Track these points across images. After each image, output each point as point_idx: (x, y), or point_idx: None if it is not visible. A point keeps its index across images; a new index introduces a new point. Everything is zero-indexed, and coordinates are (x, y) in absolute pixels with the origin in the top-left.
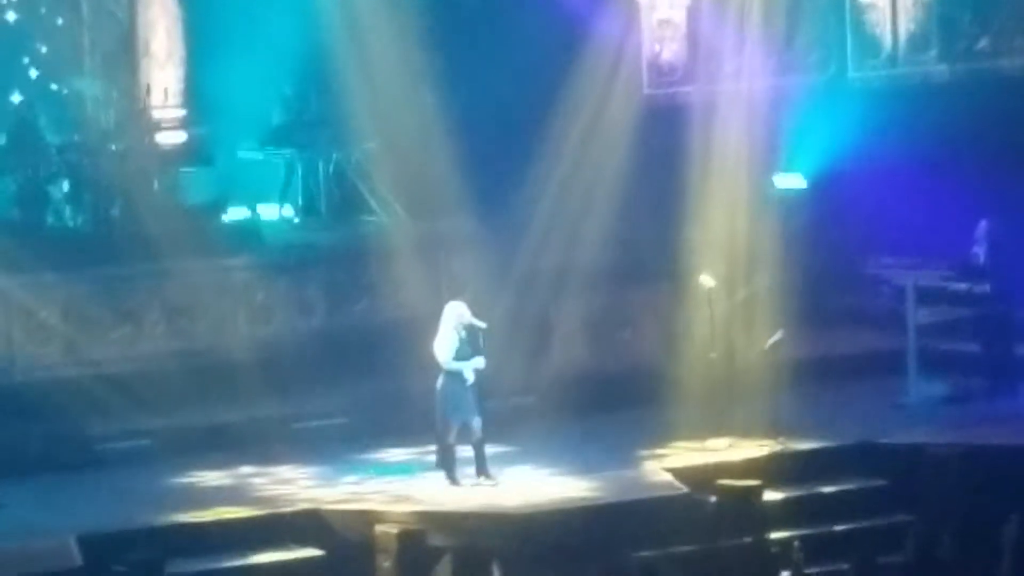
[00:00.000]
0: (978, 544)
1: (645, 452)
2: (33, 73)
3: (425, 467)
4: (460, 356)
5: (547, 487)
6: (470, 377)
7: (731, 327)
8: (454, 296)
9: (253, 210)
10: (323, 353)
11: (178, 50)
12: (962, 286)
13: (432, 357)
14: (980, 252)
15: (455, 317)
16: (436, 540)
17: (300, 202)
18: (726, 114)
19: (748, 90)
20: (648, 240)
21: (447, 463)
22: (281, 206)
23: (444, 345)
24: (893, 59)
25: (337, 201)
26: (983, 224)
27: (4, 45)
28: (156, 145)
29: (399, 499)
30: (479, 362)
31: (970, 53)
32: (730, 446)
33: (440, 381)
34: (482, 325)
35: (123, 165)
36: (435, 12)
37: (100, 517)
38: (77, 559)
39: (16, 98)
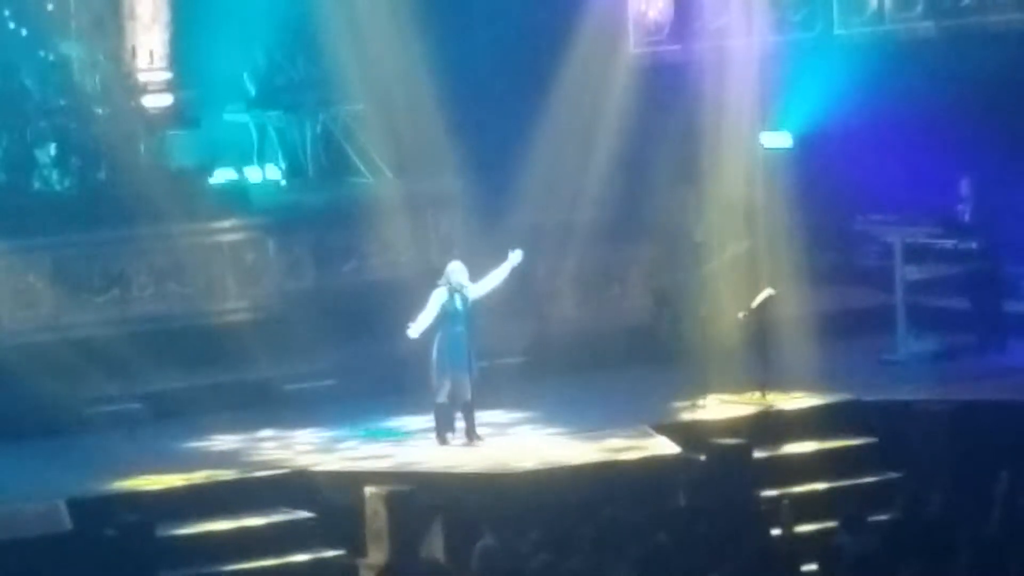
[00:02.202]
0: (967, 501)
1: (634, 411)
2: (18, 37)
3: (415, 429)
4: (448, 315)
5: (537, 447)
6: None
7: (720, 285)
8: (443, 256)
9: (240, 172)
10: (312, 314)
11: (163, 13)
12: (949, 243)
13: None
14: (965, 209)
15: (447, 276)
16: (425, 502)
17: (287, 164)
18: (713, 73)
19: (735, 48)
20: (636, 198)
21: (438, 423)
22: (261, 168)
23: (431, 302)
24: (879, 16)
25: (324, 162)
26: (965, 181)
27: None
28: (142, 108)
29: (389, 460)
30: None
31: (956, 9)
32: (709, 404)
33: (435, 340)
34: (469, 285)
35: (109, 128)
36: None
37: (89, 481)
38: (67, 523)
39: (1, 62)
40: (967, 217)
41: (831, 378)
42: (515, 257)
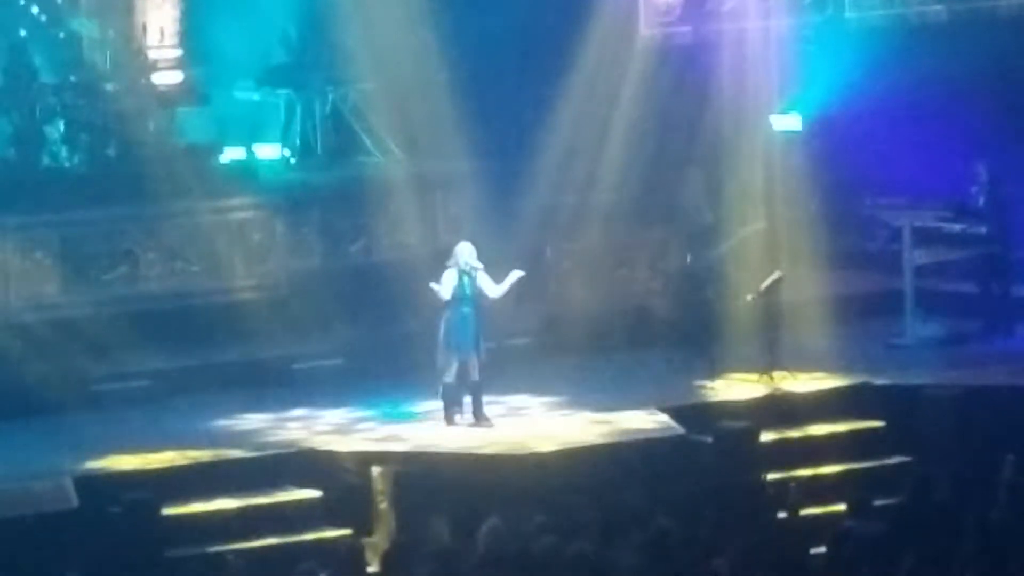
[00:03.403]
0: (974, 485)
1: (641, 393)
2: (29, 14)
3: (423, 409)
4: (458, 296)
5: (544, 429)
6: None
7: (728, 267)
8: (452, 237)
9: (249, 150)
10: (320, 293)
11: None
12: (957, 227)
13: (433, 296)
14: (978, 193)
15: (456, 257)
16: (433, 482)
17: (297, 143)
18: (723, 54)
19: (745, 30)
20: (647, 180)
21: (446, 403)
22: (283, 147)
23: (445, 283)
24: None
25: (334, 142)
26: (980, 165)
27: None
28: (152, 85)
29: (396, 440)
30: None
31: None
32: (717, 387)
33: (443, 321)
34: (478, 266)
35: (119, 105)
36: None
37: (95, 459)
38: (73, 500)
39: (12, 38)
40: (981, 202)
41: (839, 361)
42: (514, 276)
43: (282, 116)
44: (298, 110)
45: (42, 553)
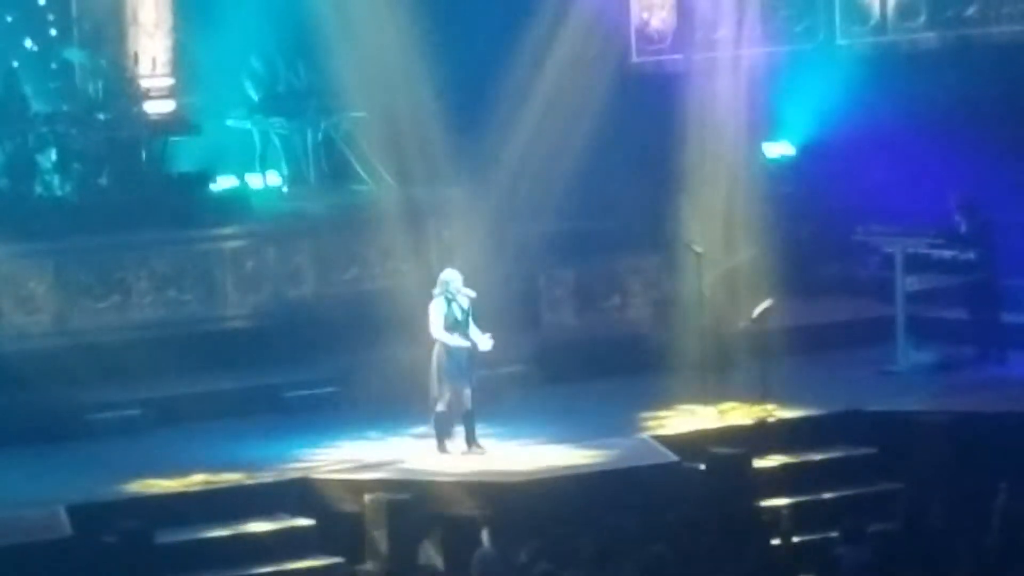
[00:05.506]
0: (967, 512)
1: (634, 420)
2: (22, 43)
3: (416, 437)
4: (449, 325)
5: (537, 456)
6: (466, 343)
7: (720, 295)
8: (445, 264)
9: (241, 179)
10: (312, 322)
11: (166, 19)
12: (948, 254)
13: (424, 325)
14: (961, 221)
15: (443, 285)
16: (426, 509)
17: (289, 171)
18: (715, 82)
19: (737, 58)
20: (637, 208)
21: (438, 432)
22: (263, 175)
23: (434, 314)
24: (882, 27)
25: (326, 170)
26: (957, 194)
27: None
28: (144, 114)
29: (389, 468)
30: (485, 342)
31: (958, 20)
32: (721, 413)
33: (435, 349)
34: (471, 294)
35: (111, 134)
36: None
37: (89, 487)
38: (67, 529)
39: (4, 68)
40: (963, 229)
41: (831, 388)
42: (485, 343)
43: (257, 145)
44: (273, 139)
45: None
